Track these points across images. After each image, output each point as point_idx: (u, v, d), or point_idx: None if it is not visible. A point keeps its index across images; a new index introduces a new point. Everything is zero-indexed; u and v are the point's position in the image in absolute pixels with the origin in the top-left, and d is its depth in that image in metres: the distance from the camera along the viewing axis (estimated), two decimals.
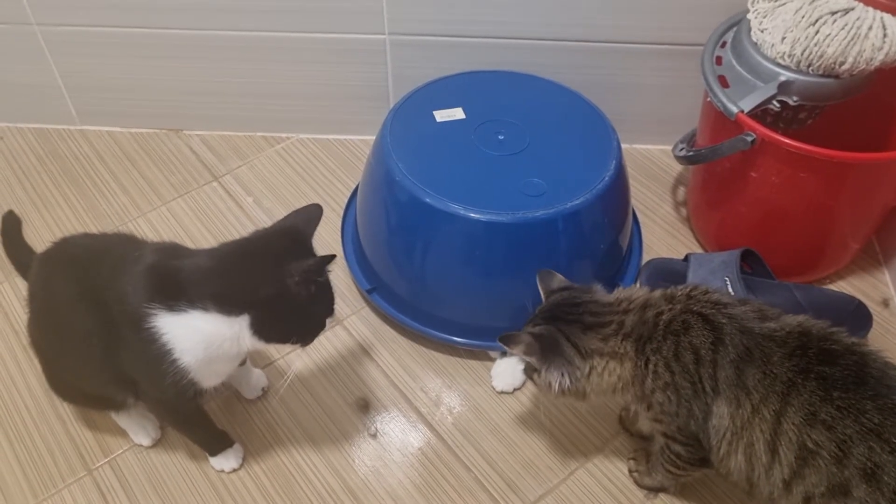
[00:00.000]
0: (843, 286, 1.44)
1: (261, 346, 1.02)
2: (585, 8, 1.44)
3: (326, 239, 1.48)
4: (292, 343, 1.04)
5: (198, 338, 0.98)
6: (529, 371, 1.07)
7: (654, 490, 1.17)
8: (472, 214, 1.20)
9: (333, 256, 0.99)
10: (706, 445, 1.00)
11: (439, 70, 1.43)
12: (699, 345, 0.97)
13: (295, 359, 1.34)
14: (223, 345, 0.99)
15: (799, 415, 0.91)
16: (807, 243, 1.38)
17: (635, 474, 1.18)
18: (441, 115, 1.34)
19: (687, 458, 1.04)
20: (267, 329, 1.00)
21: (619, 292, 1.06)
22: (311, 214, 1.06)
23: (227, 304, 0.97)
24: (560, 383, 1.01)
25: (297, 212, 1.07)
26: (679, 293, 1.02)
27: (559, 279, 1.10)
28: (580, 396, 1.04)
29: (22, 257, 1.24)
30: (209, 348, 0.99)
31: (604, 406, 1.27)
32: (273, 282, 0.97)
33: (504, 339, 1.03)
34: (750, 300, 1.02)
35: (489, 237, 1.22)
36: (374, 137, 1.35)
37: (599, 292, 1.07)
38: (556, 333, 1.02)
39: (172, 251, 1.04)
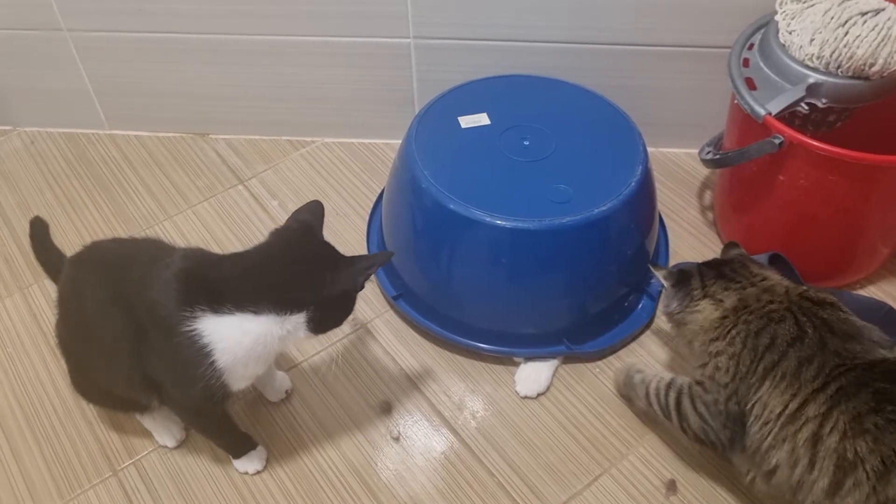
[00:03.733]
0: (873, 291, 1.42)
1: (309, 339, 1.04)
2: (611, 11, 1.44)
3: (352, 244, 1.48)
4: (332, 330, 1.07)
5: (242, 339, 0.99)
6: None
7: (623, 397, 1.25)
8: (498, 221, 1.19)
9: (392, 254, 1.06)
10: (743, 429, 1.01)
11: (464, 73, 1.43)
12: (780, 334, 1.01)
13: (318, 361, 1.35)
14: (269, 344, 1.01)
15: (843, 419, 0.90)
16: (836, 247, 1.36)
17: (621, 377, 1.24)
18: (466, 121, 1.34)
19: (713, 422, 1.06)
20: (322, 322, 1.02)
21: (765, 270, 1.14)
22: (317, 211, 1.09)
23: (285, 304, 0.99)
24: (672, 307, 1.14)
25: (303, 210, 1.09)
26: (796, 293, 1.07)
27: (739, 251, 1.20)
28: (680, 329, 1.14)
29: (51, 260, 1.26)
30: (253, 349, 1.00)
31: (628, 411, 1.26)
32: (343, 280, 1.01)
33: (654, 265, 1.24)
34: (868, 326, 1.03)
35: (515, 244, 1.22)
36: (398, 141, 1.35)
37: (755, 263, 1.15)
38: (694, 271, 1.14)
39: (202, 256, 1.05)
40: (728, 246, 1.22)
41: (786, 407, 0.96)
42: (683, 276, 1.14)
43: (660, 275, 1.18)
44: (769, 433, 0.97)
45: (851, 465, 0.89)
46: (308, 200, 1.58)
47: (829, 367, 0.95)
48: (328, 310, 1.02)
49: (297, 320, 1.00)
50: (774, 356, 0.99)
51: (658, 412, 1.14)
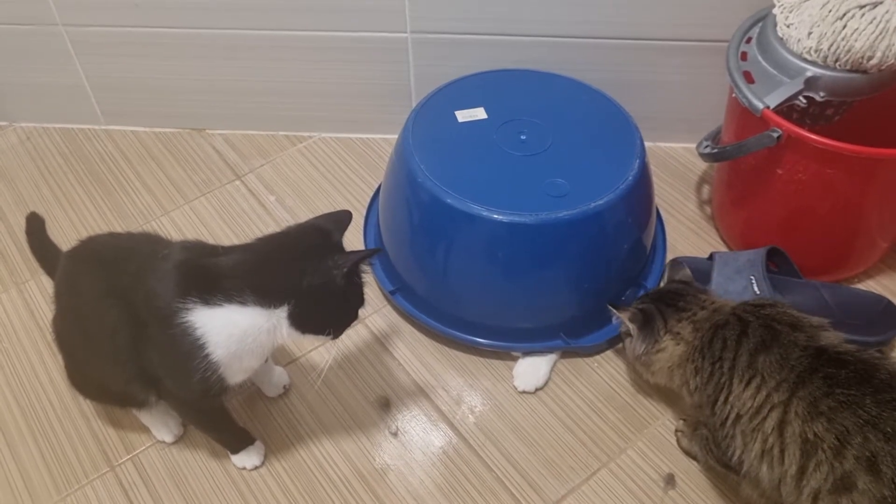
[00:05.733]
0: (871, 285, 1.42)
1: (296, 337, 1.02)
2: (608, 4, 1.43)
3: (349, 238, 1.46)
4: (326, 334, 1.04)
5: (233, 331, 0.98)
6: (625, 335, 1.21)
7: (689, 455, 1.20)
8: (495, 216, 1.19)
9: (379, 250, 1.01)
10: (720, 436, 1.05)
11: (461, 68, 1.43)
12: (728, 336, 1.06)
13: (317, 357, 1.35)
14: (259, 337, 1.00)
15: (802, 405, 0.95)
16: (834, 241, 1.36)
17: (679, 433, 1.22)
18: (463, 116, 1.34)
19: (714, 447, 1.09)
20: (305, 320, 1.01)
21: (713, 295, 1.18)
22: (341, 218, 1.07)
23: (267, 296, 0.98)
24: (640, 350, 1.16)
25: (327, 215, 1.08)
26: (740, 303, 1.12)
27: (685, 273, 1.24)
28: (647, 367, 1.17)
29: (48, 255, 1.26)
30: (243, 341, 0.99)
31: (626, 406, 1.26)
32: (318, 273, 0.98)
33: (614, 305, 1.20)
34: (806, 317, 1.07)
35: (512, 238, 1.21)
36: (396, 136, 1.35)
37: (704, 291, 1.19)
38: (657, 310, 1.16)
39: (201, 248, 1.05)
40: (674, 266, 1.24)
41: (753, 398, 1.00)
42: (647, 318, 1.16)
43: (624, 317, 1.17)
44: (746, 429, 1.00)
45: (812, 447, 0.94)
46: (305, 195, 1.60)
47: (793, 358, 0.99)
48: (308, 305, 1.00)
49: (281, 314, 0.99)
50: (730, 354, 1.04)
51: (715, 464, 1.13)
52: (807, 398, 0.95)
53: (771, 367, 1.00)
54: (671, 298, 1.17)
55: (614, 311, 1.19)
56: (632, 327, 1.17)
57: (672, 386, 1.16)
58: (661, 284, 1.37)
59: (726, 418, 1.03)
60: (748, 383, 1.01)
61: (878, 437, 0.90)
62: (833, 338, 1.03)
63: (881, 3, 1.15)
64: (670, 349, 1.13)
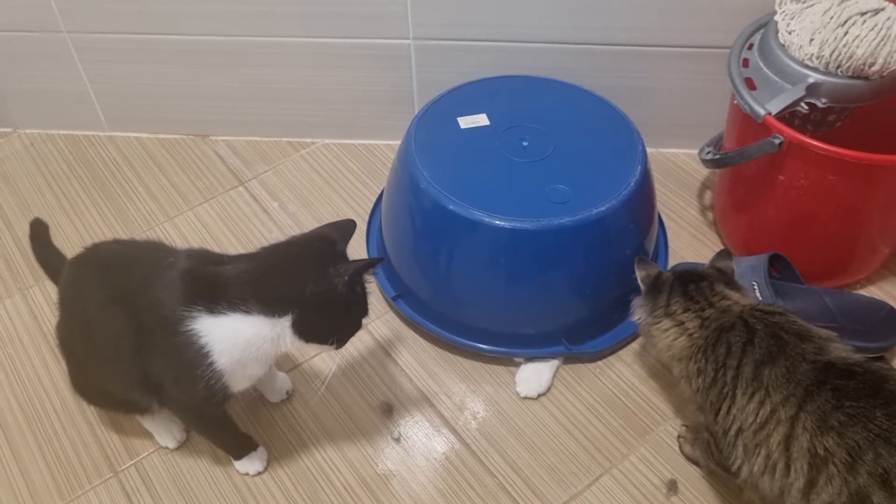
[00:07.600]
0: (873, 291, 1.41)
1: (299, 345, 1.03)
2: (610, 11, 1.44)
3: (352, 244, 1.47)
4: (329, 343, 1.05)
5: (237, 340, 0.99)
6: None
7: (691, 461, 1.20)
8: (497, 222, 1.19)
9: (381, 259, 1.01)
10: (722, 444, 1.04)
11: (464, 74, 1.43)
12: (734, 342, 1.04)
13: (320, 363, 1.35)
14: (263, 346, 1.00)
15: (811, 420, 0.94)
16: (836, 247, 1.36)
17: (682, 439, 1.22)
18: (465, 122, 1.34)
19: (716, 451, 1.08)
20: (309, 329, 1.01)
21: (730, 290, 1.13)
22: (346, 227, 1.08)
23: (271, 305, 0.98)
24: (638, 314, 1.17)
25: (331, 224, 1.08)
26: (748, 305, 1.10)
27: (728, 264, 1.19)
28: (648, 338, 1.18)
29: (52, 261, 1.26)
30: (247, 350, 1.00)
31: (629, 411, 1.26)
32: (320, 281, 0.99)
33: (641, 259, 1.21)
34: (813, 328, 1.05)
35: (514, 244, 1.21)
36: (398, 142, 1.35)
37: (727, 284, 1.14)
38: (668, 284, 1.15)
39: (206, 256, 1.05)
40: (720, 254, 1.21)
41: (757, 413, 0.98)
42: (655, 286, 1.16)
43: (640, 275, 1.18)
44: (749, 443, 0.99)
45: (823, 462, 0.92)
46: (308, 201, 1.61)
47: (799, 372, 0.97)
48: (311, 314, 1.00)
49: (285, 323, 0.99)
50: (734, 362, 1.03)
51: (716, 468, 1.13)
52: (815, 412, 0.94)
53: (777, 380, 0.98)
54: (688, 279, 1.15)
55: (637, 265, 1.19)
56: (641, 286, 1.17)
57: (673, 373, 1.15)
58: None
59: (729, 429, 1.02)
60: (752, 396, 0.99)
61: (891, 453, 0.89)
62: (842, 350, 1.01)
63: (882, 9, 1.16)
64: (673, 336, 1.11)
